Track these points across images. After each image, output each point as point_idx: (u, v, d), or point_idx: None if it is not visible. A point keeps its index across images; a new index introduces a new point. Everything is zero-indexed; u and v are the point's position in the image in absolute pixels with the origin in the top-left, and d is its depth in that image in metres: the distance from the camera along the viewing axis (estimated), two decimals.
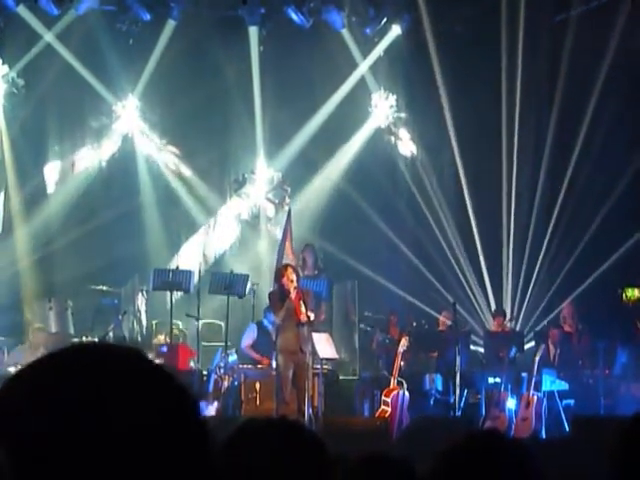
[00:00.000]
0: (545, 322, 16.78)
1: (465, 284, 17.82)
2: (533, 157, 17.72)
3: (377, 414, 13.87)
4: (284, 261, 15.28)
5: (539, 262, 17.66)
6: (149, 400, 1.29)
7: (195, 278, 15.57)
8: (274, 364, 13.25)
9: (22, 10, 17.15)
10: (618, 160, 16.91)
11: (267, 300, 13.78)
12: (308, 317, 12.66)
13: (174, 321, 15.81)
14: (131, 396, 1.28)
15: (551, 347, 15.23)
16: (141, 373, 1.32)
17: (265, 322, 14.64)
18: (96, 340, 14.76)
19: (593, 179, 17.04)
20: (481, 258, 17.88)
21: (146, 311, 17.64)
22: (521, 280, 17.73)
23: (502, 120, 17.71)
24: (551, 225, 17.63)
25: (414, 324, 15.81)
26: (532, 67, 17.42)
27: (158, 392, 1.31)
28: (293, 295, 12.65)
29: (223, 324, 14.75)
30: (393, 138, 18.85)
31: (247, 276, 15.34)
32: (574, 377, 14.98)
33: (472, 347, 16.17)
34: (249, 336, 14.85)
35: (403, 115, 18.69)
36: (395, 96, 18.56)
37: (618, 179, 16.88)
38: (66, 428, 1.24)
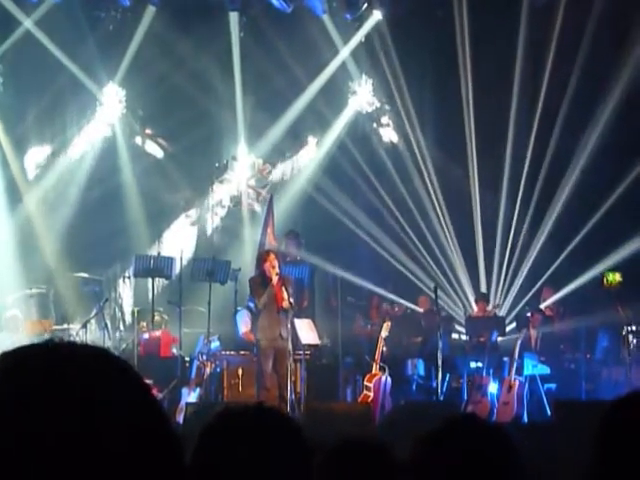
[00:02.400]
0: (526, 306, 16.83)
1: (439, 270, 17.90)
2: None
3: (359, 399, 13.89)
4: (266, 247, 15.26)
5: (510, 245, 17.80)
6: (107, 406, 1.28)
7: (177, 265, 15.54)
8: (255, 350, 13.24)
9: None
10: (599, 146, 17.01)
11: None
12: (290, 303, 12.65)
13: (156, 308, 15.79)
14: (92, 399, 1.27)
15: (532, 331, 15.25)
16: (102, 374, 1.31)
17: (251, 305, 14.63)
18: (74, 327, 14.75)
19: (574, 164, 17.18)
20: (452, 243, 17.96)
21: (128, 298, 17.61)
22: (495, 263, 17.82)
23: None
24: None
25: (396, 309, 15.81)
26: (513, 51, 17.46)
27: (118, 398, 1.30)
28: (275, 281, 12.63)
29: (205, 310, 14.70)
30: (374, 124, 18.83)
31: (229, 262, 15.31)
32: (556, 361, 15.04)
33: (454, 332, 16.22)
34: (244, 322, 14.82)
35: (384, 101, 18.66)
36: (375, 82, 18.52)
37: (599, 164, 16.94)
38: (21, 433, 1.24)
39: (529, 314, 15.80)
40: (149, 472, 1.28)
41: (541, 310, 15.87)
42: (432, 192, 18.11)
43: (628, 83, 16.83)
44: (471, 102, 17.65)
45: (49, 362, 1.30)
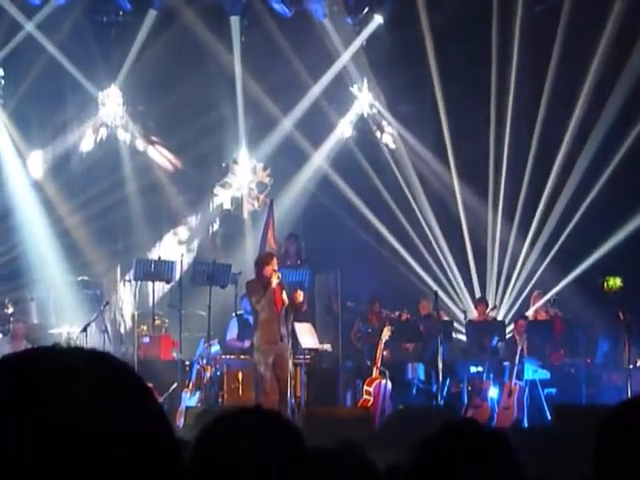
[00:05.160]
0: (526, 312, 16.83)
1: (438, 275, 17.93)
2: (521, 146, 17.79)
3: (359, 404, 13.90)
4: (267, 251, 15.24)
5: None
6: (108, 408, 1.29)
7: (177, 268, 15.53)
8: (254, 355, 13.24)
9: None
10: (601, 155, 17.03)
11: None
12: (289, 306, 12.71)
13: (156, 311, 15.79)
14: (94, 402, 1.28)
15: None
16: (105, 378, 1.32)
17: (244, 314, 14.64)
18: (74, 333, 14.75)
19: (577, 171, 17.24)
20: (447, 249, 18.02)
21: (128, 302, 17.62)
22: (490, 265, 17.87)
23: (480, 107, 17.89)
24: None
25: (396, 314, 15.80)
26: (510, 55, 17.53)
27: (118, 401, 1.31)
28: (274, 284, 12.62)
29: (205, 314, 14.71)
30: (376, 127, 18.83)
31: (229, 266, 15.30)
32: (555, 366, 15.02)
33: (454, 336, 16.20)
34: (231, 331, 14.91)
35: (385, 104, 18.67)
36: (377, 85, 18.53)
37: (601, 172, 16.97)
38: (24, 435, 1.24)
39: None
40: (149, 474, 1.29)
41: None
42: (424, 198, 18.19)
43: (615, 71, 16.93)
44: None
45: (52, 366, 1.30)
